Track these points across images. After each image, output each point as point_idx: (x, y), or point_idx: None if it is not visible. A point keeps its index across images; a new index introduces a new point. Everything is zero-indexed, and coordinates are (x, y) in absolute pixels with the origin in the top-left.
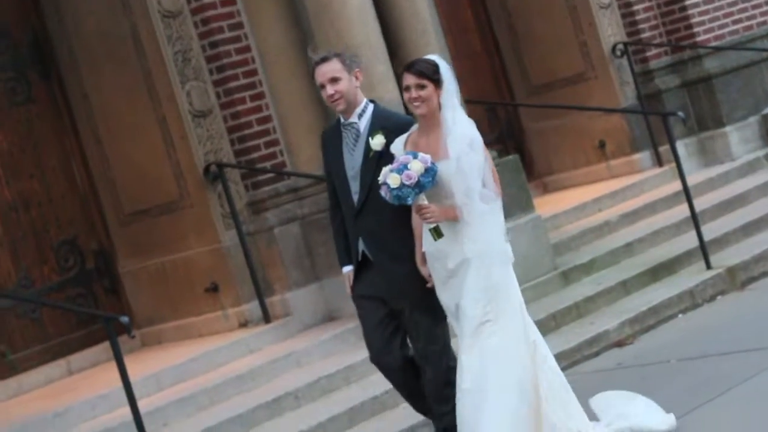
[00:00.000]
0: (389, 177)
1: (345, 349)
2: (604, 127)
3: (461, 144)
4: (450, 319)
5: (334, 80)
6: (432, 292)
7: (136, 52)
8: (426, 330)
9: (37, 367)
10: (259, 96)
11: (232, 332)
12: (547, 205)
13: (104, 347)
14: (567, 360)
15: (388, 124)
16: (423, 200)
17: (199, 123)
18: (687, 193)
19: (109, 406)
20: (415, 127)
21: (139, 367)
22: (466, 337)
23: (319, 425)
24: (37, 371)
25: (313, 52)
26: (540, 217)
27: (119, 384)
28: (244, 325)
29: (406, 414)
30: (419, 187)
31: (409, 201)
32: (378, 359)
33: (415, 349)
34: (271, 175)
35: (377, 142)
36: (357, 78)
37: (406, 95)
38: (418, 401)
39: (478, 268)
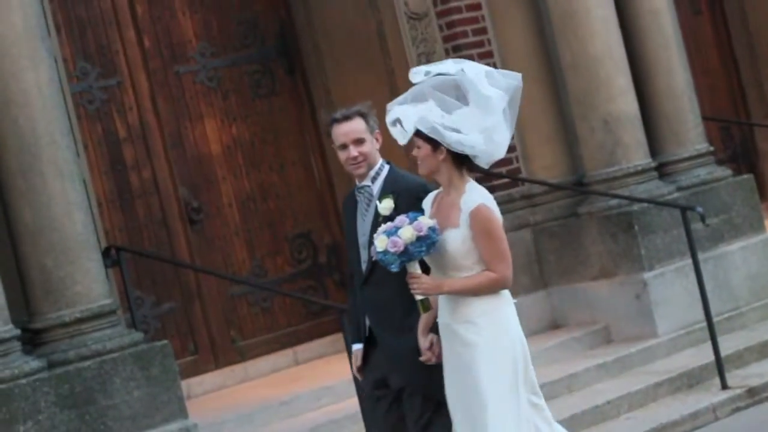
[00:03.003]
0: (378, 238)
1: (569, 357)
2: None
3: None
4: None
5: (359, 141)
6: (438, 371)
7: (380, 51)
8: (425, 420)
9: (264, 356)
10: None
11: None
12: None
13: (331, 340)
14: None
15: (398, 188)
16: (415, 269)
17: None
18: None
19: (335, 398)
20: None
21: None
22: None
23: None
24: (264, 359)
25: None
26: None
27: (345, 376)
28: None
29: (628, 425)
30: (407, 255)
31: (393, 268)
32: None
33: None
34: (505, 180)
35: (385, 206)
36: (377, 140)
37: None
38: None
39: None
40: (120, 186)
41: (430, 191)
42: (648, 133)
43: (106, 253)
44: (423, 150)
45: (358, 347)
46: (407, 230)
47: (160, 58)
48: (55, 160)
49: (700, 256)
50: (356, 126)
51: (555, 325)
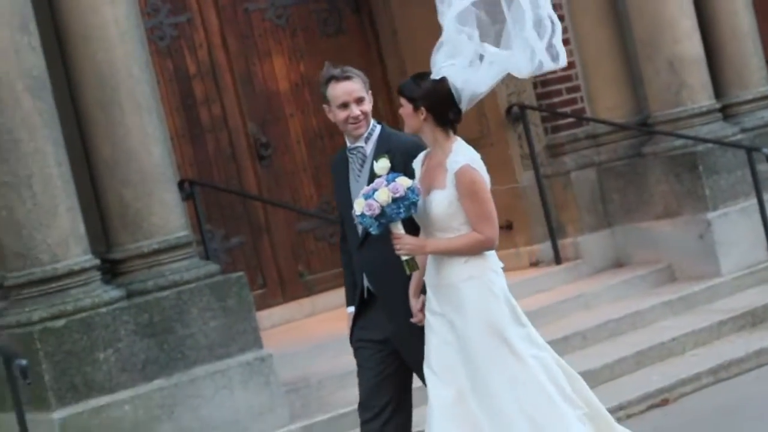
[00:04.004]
0: (356, 201)
1: (633, 294)
2: None
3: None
4: None
5: (360, 100)
6: None
7: None
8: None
9: (331, 290)
10: (565, 42)
11: (523, 270)
12: None
13: None
14: None
15: (393, 146)
16: (398, 229)
17: None
18: None
19: None
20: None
21: None
22: None
23: (606, 366)
24: (331, 293)
25: (327, 69)
26: None
27: None
28: (535, 264)
29: (694, 361)
30: (385, 217)
31: (373, 231)
32: (362, 414)
33: (414, 365)
34: (570, 120)
35: (381, 165)
36: (371, 101)
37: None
38: None
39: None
40: (190, 121)
41: (424, 148)
42: (712, 75)
43: (179, 187)
44: (405, 109)
45: (352, 310)
46: (383, 192)
47: None
48: (132, 93)
49: (765, 197)
50: (357, 85)
51: (619, 264)
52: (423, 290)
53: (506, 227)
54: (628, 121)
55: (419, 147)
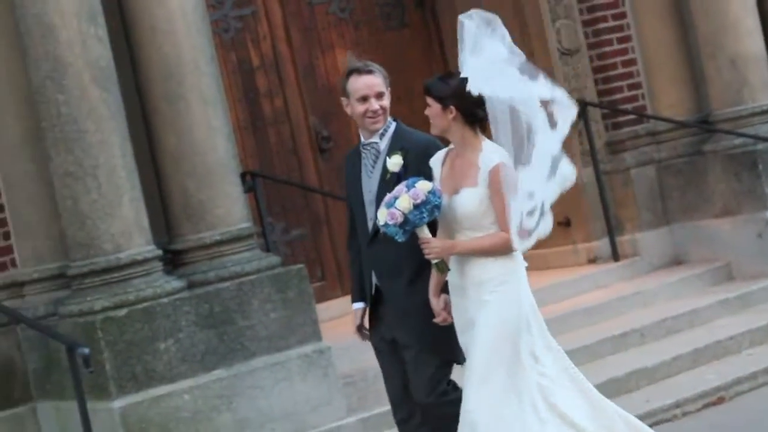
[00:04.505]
0: (380, 210)
1: (691, 292)
2: None
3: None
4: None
5: (380, 95)
6: (447, 329)
7: None
8: (430, 375)
9: None
10: (626, 39)
11: (581, 267)
12: None
13: None
14: None
15: (407, 144)
16: (425, 233)
17: (566, 61)
18: None
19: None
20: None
21: None
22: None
23: (663, 363)
24: None
25: (350, 61)
26: None
27: None
28: (593, 261)
29: (750, 360)
30: (409, 224)
31: (399, 239)
32: (396, 415)
33: (415, 394)
34: (631, 117)
35: (394, 162)
36: (389, 97)
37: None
38: None
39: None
40: (253, 113)
41: (440, 147)
42: None
43: (241, 179)
44: (433, 108)
45: (358, 306)
46: (403, 199)
47: None
48: (198, 86)
49: None
50: (378, 79)
51: (677, 261)
52: (444, 289)
53: (564, 223)
54: (689, 118)
55: (434, 145)
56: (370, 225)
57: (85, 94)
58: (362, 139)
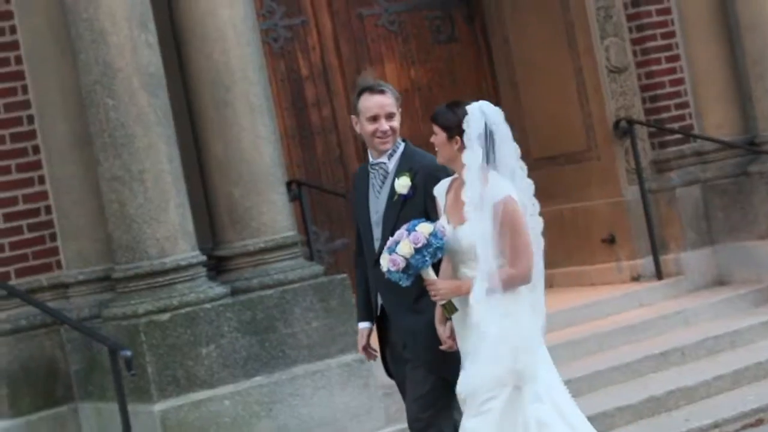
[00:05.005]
0: (383, 256)
1: (733, 313)
2: None
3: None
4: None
5: (391, 116)
6: (451, 354)
7: (560, 3)
8: (424, 393)
9: None
10: (675, 58)
11: (624, 284)
12: None
13: None
14: None
15: (416, 165)
16: (429, 275)
17: (614, 78)
18: None
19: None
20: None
21: None
22: None
23: (704, 383)
24: None
25: (363, 78)
26: None
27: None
28: (636, 279)
29: None
30: (412, 269)
31: (403, 283)
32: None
33: (408, 412)
34: (678, 136)
35: (402, 183)
36: (399, 118)
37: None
38: None
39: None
40: (300, 123)
41: (448, 171)
42: None
43: (287, 187)
44: (439, 137)
45: (364, 326)
46: (404, 245)
47: (344, 0)
48: (246, 94)
49: None
50: (389, 100)
51: (720, 281)
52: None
53: (609, 240)
54: (736, 139)
55: (443, 168)
56: (376, 245)
57: (133, 99)
58: (370, 158)
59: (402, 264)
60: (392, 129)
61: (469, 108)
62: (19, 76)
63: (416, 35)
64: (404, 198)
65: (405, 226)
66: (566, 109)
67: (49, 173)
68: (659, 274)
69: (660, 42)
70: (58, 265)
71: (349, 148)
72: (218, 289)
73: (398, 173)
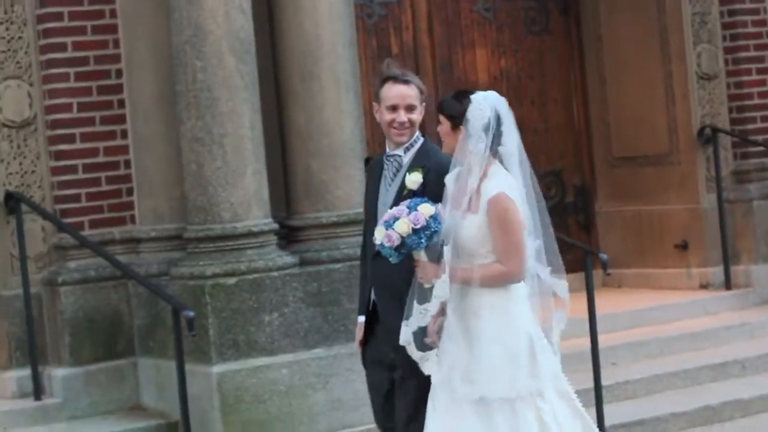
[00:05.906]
0: (377, 229)
1: None
2: None
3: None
4: None
5: (411, 108)
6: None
7: (656, 5)
8: (415, 399)
9: None
10: (766, 71)
11: (692, 291)
12: None
13: (571, 278)
14: None
15: (430, 163)
16: (421, 257)
17: (703, 85)
18: None
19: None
20: None
21: (598, 304)
22: None
23: (761, 397)
24: None
25: (389, 67)
26: None
27: (580, 315)
28: (705, 286)
29: None
30: (405, 248)
31: (393, 260)
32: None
33: (397, 419)
34: (760, 148)
35: (413, 179)
36: (422, 112)
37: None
38: None
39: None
40: None
41: None
42: None
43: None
44: (444, 127)
45: (363, 319)
46: (402, 223)
47: None
48: (333, 68)
49: None
50: (412, 92)
51: None
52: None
53: (682, 246)
54: None
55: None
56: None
57: (221, 62)
58: (387, 149)
59: (397, 241)
60: (411, 121)
61: (474, 97)
62: (113, 29)
63: (510, 24)
64: (413, 194)
65: (406, 203)
66: (652, 111)
67: (132, 129)
68: (728, 285)
69: (752, 53)
70: (132, 220)
71: (432, 129)
72: (287, 258)
73: (411, 168)
